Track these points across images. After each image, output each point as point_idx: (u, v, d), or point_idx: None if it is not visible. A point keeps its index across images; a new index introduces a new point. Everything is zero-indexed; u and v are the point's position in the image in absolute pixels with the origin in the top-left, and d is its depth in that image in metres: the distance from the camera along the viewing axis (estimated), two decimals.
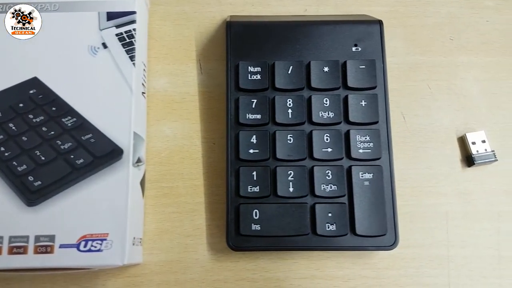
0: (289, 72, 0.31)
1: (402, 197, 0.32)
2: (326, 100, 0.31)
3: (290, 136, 0.30)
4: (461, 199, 0.32)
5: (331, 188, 0.30)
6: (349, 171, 0.30)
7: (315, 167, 0.30)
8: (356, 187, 0.30)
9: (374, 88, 0.31)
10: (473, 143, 0.33)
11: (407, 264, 0.31)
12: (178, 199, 0.31)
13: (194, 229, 0.31)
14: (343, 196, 0.30)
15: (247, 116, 0.31)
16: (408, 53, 0.35)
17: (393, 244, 0.29)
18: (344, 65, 0.32)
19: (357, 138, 0.30)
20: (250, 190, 0.29)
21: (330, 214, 0.29)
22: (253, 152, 0.30)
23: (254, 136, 0.30)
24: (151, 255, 0.30)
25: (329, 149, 0.30)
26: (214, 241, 0.31)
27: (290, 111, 0.31)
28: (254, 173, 0.30)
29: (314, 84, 0.31)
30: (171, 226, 0.31)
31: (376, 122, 0.31)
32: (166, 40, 0.35)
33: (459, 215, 0.32)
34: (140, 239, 0.29)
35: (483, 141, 0.33)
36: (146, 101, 0.33)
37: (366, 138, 0.30)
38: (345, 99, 0.31)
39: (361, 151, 0.30)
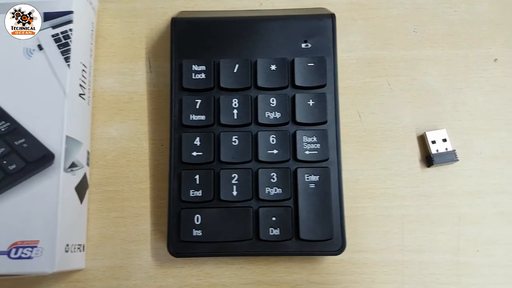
0: (235, 71, 0.31)
1: (356, 199, 0.32)
2: (273, 100, 0.31)
3: (235, 138, 0.30)
4: (418, 202, 0.32)
5: (275, 191, 0.29)
6: (295, 173, 0.30)
7: (259, 170, 0.30)
8: (301, 190, 0.29)
9: (323, 86, 0.31)
10: (433, 142, 0.32)
11: (359, 269, 0.31)
12: (122, 204, 0.32)
13: (139, 234, 0.31)
14: (288, 199, 0.29)
15: (191, 117, 0.30)
16: (368, 47, 0.35)
17: (339, 249, 0.29)
18: (292, 63, 0.31)
19: (304, 139, 0.30)
20: (192, 194, 0.29)
21: (274, 219, 0.29)
22: (196, 154, 0.30)
23: (198, 138, 0.30)
24: (95, 261, 0.31)
25: (275, 151, 0.30)
26: (158, 246, 0.31)
27: (235, 111, 0.30)
28: (197, 176, 0.30)
29: (260, 83, 0.31)
30: (115, 231, 0.31)
31: (324, 122, 0.30)
32: (115, 38, 0.35)
33: (416, 218, 0.31)
34: (80, 245, 0.29)
35: (444, 140, 0.32)
36: (93, 102, 0.33)
37: (313, 139, 0.30)
38: (293, 99, 0.31)
39: (307, 152, 0.30)
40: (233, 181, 0.30)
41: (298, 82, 0.31)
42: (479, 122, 0.33)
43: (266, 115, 0.30)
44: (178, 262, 0.31)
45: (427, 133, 0.32)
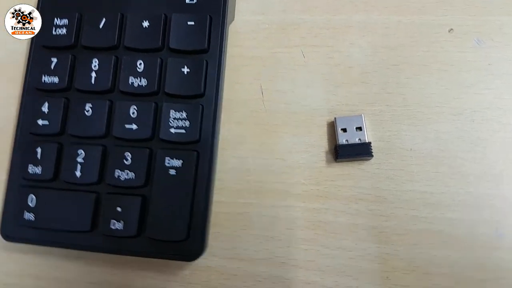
0: (101, 27, 0.23)
1: (241, 194, 0.23)
2: (140, 64, 0.23)
3: (89, 107, 0.23)
4: (317, 204, 0.23)
5: (127, 175, 0.22)
6: (155, 155, 0.22)
7: (110, 149, 0.22)
8: (158, 176, 0.22)
9: (204, 52, 0.23)
10: (344, 130, 0.23)
11: (227, 281, 0.22)
12: None
13: None
14: (142, 187, 0.22)
15: (43, 78, 0.23)
16: (285, 9, 0.26)
17: (194, 255, 0.21)
18: (170, 20, 0.23)
19: (172, 114, 0.22)
20: (31, 171, 0.23)
21: (119, 209, 0.21)
22: (42, 124, 0.23)
23: (46, 104, 0.23)
24: None
25: (134, 126, 0.22)
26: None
27: (94, 75, 0.23)
28: (39, 150, 0.23)
29: (128, 42, 0.23)
30: None
31: (200, 96, 0.22)
32: None
33: (311, 225, 0.22)
34: None
35: (359, 129, 0.23)
36: None
37: (182, 115, 0.22)
38: (166, 64, 0.23)
39: (173, 130, 0.22)
40: (79, 159, 0.22)
41: (172, 44, 0.23)
42: (416, 109, 0.23)
43: (130, 81, 0.23)
44: (24, 247, 0.24)
45: (337, 118, 0.23)
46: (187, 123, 0.22)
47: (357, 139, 0.22)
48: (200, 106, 0.22)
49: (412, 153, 0.23)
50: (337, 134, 0.23)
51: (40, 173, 0.22)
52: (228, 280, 0.22)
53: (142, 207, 0.21)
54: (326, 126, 0.24)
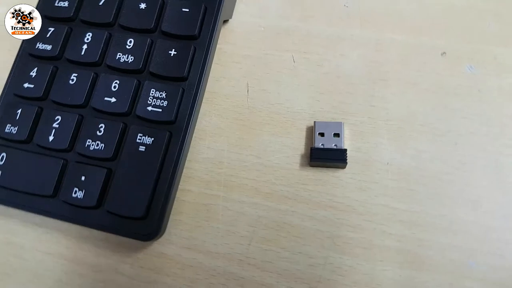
0: (100, 4, 0.24)
1: (209, 185, 0.22)
2: (130, 41, 0.23)
3: (74, 76, 0.23)
4: (284, 205, 0.22)
5: (97, 146, 0.21)
6: (128, 131, 0.22)
7: (86, 118, 0.22)
8: (127, 151, 0.21)
9: (193, 38, 0.23)
10: (321, 134, 0.22)
11: (180, 271, 0.21)
12: None
13: None
14: (110, 160, 0.21)
15: (38, 45, 0.24)
16: (284, 16, 0.26)
17: (151, 235, 0.20)
18: (166, 5, 0.23)
19: (152, 92, 0.22)
20: (8, 130, 0.22)
21: (83, 178, 0.21)
22: (27, 87, 0.23)
23: (36, 69, 0.23)
24: None
25: (113, 99, 0.22)
26: None
27: (85, 47, 0.23)
28: (19, 111, 0.23)
29: (122, 21, 0.23)
30: None
31: (183, 79, 0.22)
32: None
33: (275, 225, 0.21)
34: None
35: (336, 135, 0.22)
36: None
37: (161, 95, 0.22)
38: (155, 45, 0.23)
39: (150, 108, 0.22)
40: (54, 125, 0.22)
41: (164, 27, 0.23)
42: (398, 124, 0.23)
43: (118, 56, 0.23)
44: None
45: (316, 122, 0.22)
46: (165, 103, 0.22)
47: (333, 145, 0.22)
48: (181, 89, 0.22)
49: (389, 167, 0.22)
50: (314, 137, 0.22)
51: (15, 133, 0.22)
52: (182, 270, 0.21)
53: (106, 180, 0.21)
54: (305, 130, 0.23)
